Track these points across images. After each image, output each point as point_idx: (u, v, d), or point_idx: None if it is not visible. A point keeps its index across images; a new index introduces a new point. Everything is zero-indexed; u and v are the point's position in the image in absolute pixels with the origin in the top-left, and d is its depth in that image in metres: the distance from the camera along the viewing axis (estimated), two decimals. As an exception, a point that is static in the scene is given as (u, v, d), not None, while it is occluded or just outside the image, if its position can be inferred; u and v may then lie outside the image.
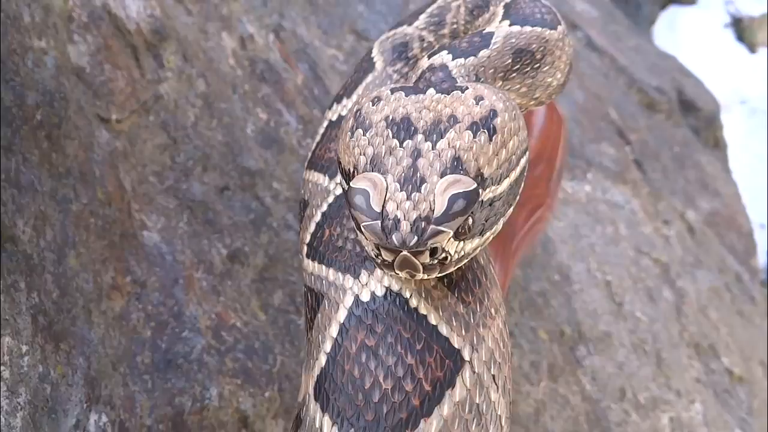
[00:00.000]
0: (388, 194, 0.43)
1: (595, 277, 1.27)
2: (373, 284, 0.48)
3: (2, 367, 0.50)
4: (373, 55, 0.66)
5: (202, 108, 0.93)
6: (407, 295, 0.47)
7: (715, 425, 1.26)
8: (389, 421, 0.43)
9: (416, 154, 0.44)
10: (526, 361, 1.05)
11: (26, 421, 0.51)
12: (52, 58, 0.72)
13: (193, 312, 0.78)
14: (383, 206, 0.42)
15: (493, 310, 0.49)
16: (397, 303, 0.47)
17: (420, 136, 0.45)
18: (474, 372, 0.45)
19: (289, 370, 0.84)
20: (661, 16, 4.06)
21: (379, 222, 0.42)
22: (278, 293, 0.91)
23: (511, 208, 0.49)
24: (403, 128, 0.45)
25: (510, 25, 0.56)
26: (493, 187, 0.45)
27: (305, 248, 0.55)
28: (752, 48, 3.81)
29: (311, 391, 0.47)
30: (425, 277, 0.43)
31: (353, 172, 0.45)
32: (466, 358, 0.46)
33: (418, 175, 0.43)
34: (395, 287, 0.47)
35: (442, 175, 0.43)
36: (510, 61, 0.55)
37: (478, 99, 0.46)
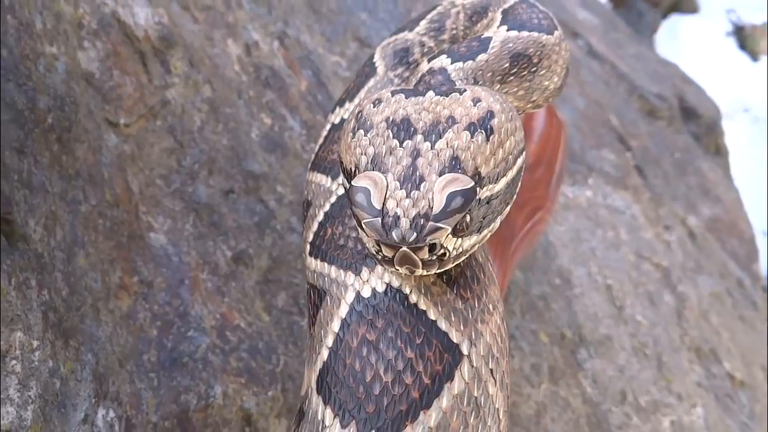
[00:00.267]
0: (388, 192, 0.44)
1: (596, 281, 1.28)
2: (373, 281, 0.49)
3: (14, 361, 0.52)
4: (374, 60, 0.68)
5: (208, 113, 0.95)
6: (407, 291, 0.48)
7: (716, 429, 1.26)
8: (389, 413, 0.44)
9: (416, 153, 0.46)
10: (527, 363, 1.06)
11: (37, 414, 0.52)
12: (63, 64, 0.74)
13: (198, 312, 0.79)
14: (383, 204, 0.44)
15: (491, 306, 0.50)
16: (398, 299, 0.48)
17: (419, 137, 0.46)
18: (472, 366, 0.47)
19: (292, 370, 0.85)
20: (663, 24, 4.08)
21: (379, 219, 0.43)
22: (282, 295, 0.92)
23: (509, 207, 0.50)
24: (403, 129, 0.47)
25: (507, 30, 0.58)
26: (491, 186, 0.46)
27: (308, 247, 0.57)
28: (754, 56, 3.82)
29: (314, 384, 0.48)
30: (424, 273, 0.45)
31: (354, 171, 0.47)
32: (465, 352, 0.47)
33: (418, 173, 0.45)
34: (395, 283, 0.49)
35: (441, 173, 0.44)
36: (507, 64, 0.56)
37: (476, 101, 0.48)
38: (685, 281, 1.49)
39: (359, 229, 0.46)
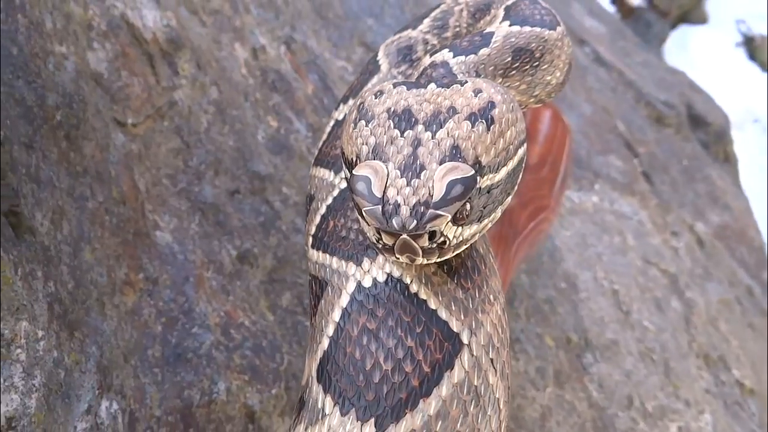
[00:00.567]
0: (389, 181, 0.45)
1: (602, 285, 1.28)
2: (374, 271, 0.50)
3: (19, 350, 0.52)
4: (378, 57, 0.68)
5: (215, 114, 0.96)
6: (408, 280, 0.48)
7: (725, 437, 1.25)
8: (389, 401, 0.44)
9: (416, 143, 0.46)
10: (532, 366, 1.05)
11: (40, 403, 0.53)
12: (72, 63, 0.75)
13: (202, 309, 0.80)
14: (384, 192, 0.44)
15: (491, 297, 0.50)
16: (398, 288, 0.48)
17: (420, 127, 0.47)
18: (472, 355, 0.47)
19: (296, 369, 0.85)
20: (672, 35, 4.08)
21: (379, 207, 0.44)
22: (286, 295, 0.92)
23: (509, 197, 0.51)
24: (404, 119, 0.47)
25: (510, 26, 0.58)
26: (491, 175, 0.47)
27: (310, 239, 0.57)
28: (764, 67, 3.81)
29: (314, 373, 0.49)
30: (424, 261, 0.45)
31: (356, 161, 0.47)
32: (465, 341, 0.47)
33: (418, 162, 0.45)
34: (396, 273, 0.49)
35: (441, 162, 0.45)
36: (510, 59, 0.57)
37: (477, 91, 0.48)
38: (693, 288, 1.48)
39: (360, 217, 0.46)
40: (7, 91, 0.63)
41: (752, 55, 3.91)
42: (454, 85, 0.49)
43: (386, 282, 0.49)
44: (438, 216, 0.43)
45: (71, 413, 0.57)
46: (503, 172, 0.48)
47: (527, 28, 0.58)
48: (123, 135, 0.83)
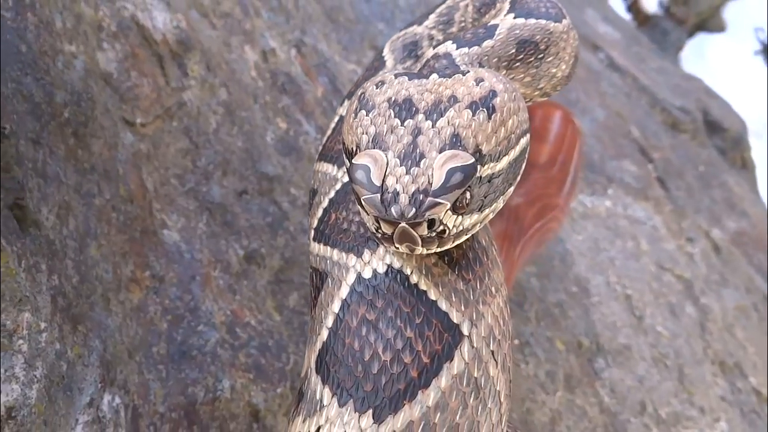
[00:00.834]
0: (388, 169, 0.44)
1: (615, 290, 1.26)
2: (375, 262, 0.49)
3: (21, 341, 0.53)
4: (384, 53, 0.68)
5: (224, 115, 0.96)
6: (408, 271, 0.48)
7: (742, 446, 1.22)
8: (387, 391, 0.44)
9: (416, 132, 0.45)
10: (542, 370, 1.04)
11: (41, 394, 0.53)
12: (81, 62, 0.76)
13: (209, 308, 0.80)
14: (383, 180, 0.44)
15: (493, 289, 0.50)
16: (398, 279, 0.48)
17: (421, 116, 0.46)
18: (473, 347, 0.46)
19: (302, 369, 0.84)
20: (689, 43, 4.05)
21: (378, 195, 0.43)
22: (293, 295, 0.92)
23: (512, 188, 0.50)
24: (404, 108, 0.47)
25: (515, 18, 0.58)
26: (492, 164, 0.46)
27: (312, 233, 0.57)
28: (783, 75, 3.76)
29: (313, 364, 0.48)
30: (424, 251, 0.44)
31: (356, 150, 0.47)
32: (465, 332, 0.46)
33: (418, 151, 0.45)
34: (396, 264, 0.48)
35: (441, 150, 0.44)
36: (514, 50, 0.56)
37: (479, 80, 0.48)
38: (708, 294, 1.46)
39: (359, 207, 0.46)
40: (14, 87, 0.63)
41: (771, 63, 3.86)
42: (456, 75, 0.49)
43: (386, 273, 0.48)
44: (437, 204, 0.42)
45: (73, 406, 0.57)
46: (505, 162, 0.47)
47: (532, 21, 0.58)
48: (132, 134, 0.83)
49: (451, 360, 0.45)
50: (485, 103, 0.46)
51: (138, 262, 0.77)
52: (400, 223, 0.43)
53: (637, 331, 1.21)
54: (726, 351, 1.36)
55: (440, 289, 0.47)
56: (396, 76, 0.50)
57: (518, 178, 0.50)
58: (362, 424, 0.43)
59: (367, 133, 0.47)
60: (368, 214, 0.45)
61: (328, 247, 0.53)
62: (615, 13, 2.50)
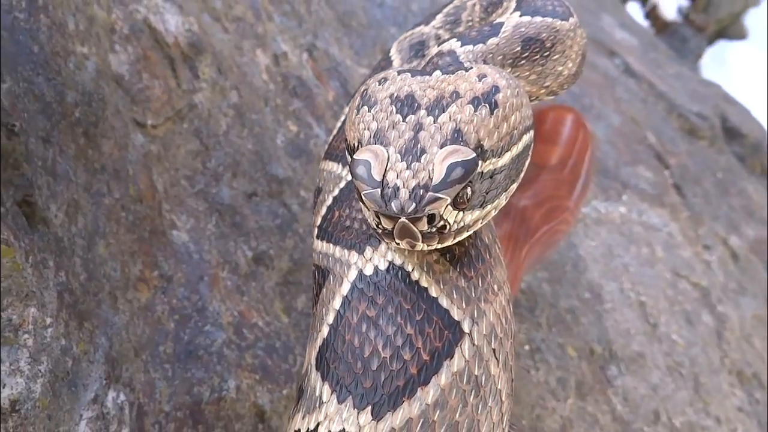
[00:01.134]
0: (389, 165, 0.44)
1: (629, 297, 1.24)
2: (376, 259, 0.49)
3: (26, 335, 0.53)
4: (391, 53, 0.68)
5: (234, 118, 0.97)
6: (409, 268, 0.48)
7: (761, 458, 1.19)
8: (386, 388, 0.43)
9: (418, 127, 0.45)
10: (553, 377, 1.02)
11: (46, 388, 0.53)
12: (93, 63, 0.77)
13: (216, 308, 0.80)
14: (384, 175, 0.43)
15: (495, 287, 0.49)
16: (399, 276, 0.47)
17: (423, 111, 0.46)
18: (474, 344, 0.45)
19: (309, 371, 0.84)
20: (709, 51, 4.01)
21: (378, 190, 0.43)
22: (302, 297, 0.92)
23: (515, 185, 0.49)
24: (406, 104, 0.47)
25: (521, 16, 0.57)
26: (494, 160, 0.45)
27: (315, 230, 0.57)
28: (805, 83, 3.70)
29: (313, 361, 0.48)
30: (425, 247, 0.44)
31: (357, 146, 0.47)
32: (466, 330, 0.46)
33: (419, 146, 0.44)
34: (398, 261, 0.48)
35: (442, 145, 0.44)
36: (519, 48, 0.56)
37: (481, 76, 0.47)
38: (725, 302, 1.43)
39: (360, 202, 0.46)
40: (26, 87, 0.64)
41: (793, 71, 3.81)
42: (459, 71, 0.48)
43: (387, 270, 0.48)
44: (437, 199, 0.42)
45: (77, 401, 0.57)
46: (507, 157, 0.47)
47: (538, 18, 0.57)
48: (142, 135, 0.84)
49: (452, 357, 0.44)
50: (487, 99, 0.46)
51: (146, 262, 0.77)
52: (400, 218, 0.42)
53: (651, 339, 1.19)
54: (744, 361, 1.33)
55: (441, 286, 0.47)
56: (399, 72, 0.50)
57: (521, 175, 0.50)
58: (361, 420, 0.43)
59: (368, 129, 0.47)
60: (369, 210, 0.45)
61: (331, 245, 0.53)
62: (632, 20, 2.48)
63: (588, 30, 2.03)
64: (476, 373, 0.45)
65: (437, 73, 0.49)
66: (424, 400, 0.43)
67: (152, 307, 0.75)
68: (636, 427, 1.04)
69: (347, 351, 0.46)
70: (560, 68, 0.58)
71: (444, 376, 0.44)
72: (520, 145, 0.48)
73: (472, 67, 0.49)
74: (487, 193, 0.46)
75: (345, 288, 0.49)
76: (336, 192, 0.58)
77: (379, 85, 0.49)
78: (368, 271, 0.48)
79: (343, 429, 0.43)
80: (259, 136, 0.99)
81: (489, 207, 0.47)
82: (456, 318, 0.46)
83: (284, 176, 0.98)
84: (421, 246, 0.44)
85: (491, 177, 0.46)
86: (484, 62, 0.55)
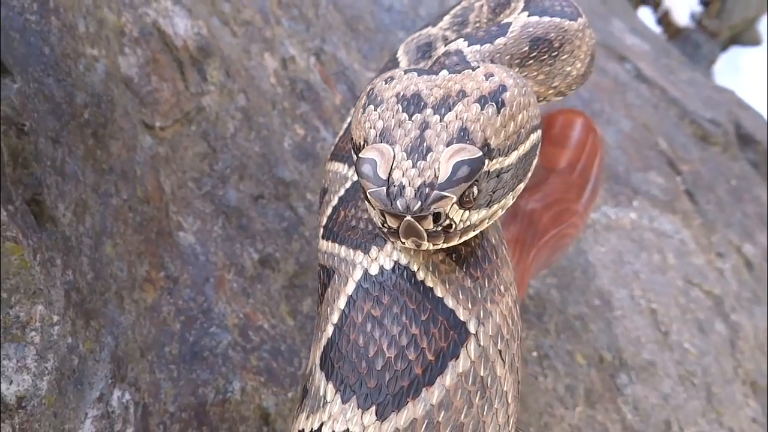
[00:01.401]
0: (394, 163, 0.44)
1: (639, 304, 1.22)
2: (382, 258, 0.48)
3: (33, 333, 0.53)
4: (398, 55, 0.68)
5: (242, 121, 0.97)
6: (415, 268, 0.47)
7: (775, 470, 1.17)
8: (391, 388, 0.43)
9: (424, 126, 0.45)
10: (561, 384, 1.01)
11: (52, 386, 0.53)
12: (103, 66, 0.77)
13: (222, 310, 0.80)
14: (389, 174, 0.43)
15: (502, 288, 0.48)
16: (405, 276, 0.47)
17: (429, 110, 0.46)
18: (479, 345, 0.45)
19: (315, 374, 0.84)
20: (722, 57, 3.97)
21: (384, 188, 0.43)
22: (308, 300, 0.92)
23: (522, 184, 0.49)
24: (413, 103, 0.46)
25: (528, 16, 0.57)
26: (501, 159, 0.45)
27: (321, 230, 0.56)
28: (820, 90, 3.67)
29: (317, 361, 0.47)
30: (430, 246, 0.44)
31: (363, 145, 0.47)
32: (472, 330, 0.45)
33: (425, 144, 0.44)
34: (404, 261, 0.48)
35: (449, 144, 0.44)
36: (527, 48, 0.55)
37: (488, 75, 0.47)
38: (739, 311, 1.41)
39: (366, 201, 0.45)
40: (36, 87, 0.65)
41: (808, 78, 3.78)
42: (466, 71, 0.48)
43: (393, 269, 0.47)
44: (443, 197, 0.42)
45: (83, 399, 0.57)
46: (514, 156, 0.46)
47: (546, 19, 0.57)
48: (150, 137, 0.84)
49: (457, 358, 0.44)
50: (494, 98, 0.46)
51: (153, 263, 0.77)
52: (405, 217, 0.42)
53: (662, 347, 1.17)
54: (758, 371, 1.31)
55: (447, 286, 0.46)
56: (405, 72, 0.49)
57: (528, 175, 0.49)
58: (365, 421, 0.42)
59: (374, 128, 0.46)
60: (374, 208, 0.44)
61: (336, 244, 0.53)
62: (644, 25, 2.47)
63: (598, 35, 2.02)
64: (482, 374, 0.44)
65: (444, 72, 0.49)
66: (429, 401, 0.42)
67: (158, 307, 0.75)
68: (646, 436, 1.03)
69: (352, 350, 0.45)
70: (569, 68, 0.58)
71: (449, 376, 0.43)
72: (528, 145, 0.48)
73: (479, 66, 0.48)
74: (493, 193, 0.45)
75: (350, 287, 0.48)
76: (342, 192, 0.57)
77: (386, 84, 0.49)
78: (373, 270, 0.48)
79: (347, 429, 0.42)
80: (266, 139, 0.99)
81: (496, 206, 0.46)
82: (462, 318, 0.45)
83: (291, 179, 0.98)
84: (426, 245, 0.43)
85: (498, 176, 0.45)
86: (492, 62, 0.54)
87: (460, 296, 0.46)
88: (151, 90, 0.86)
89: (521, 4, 0.61)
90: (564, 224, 0.78)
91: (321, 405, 0.45)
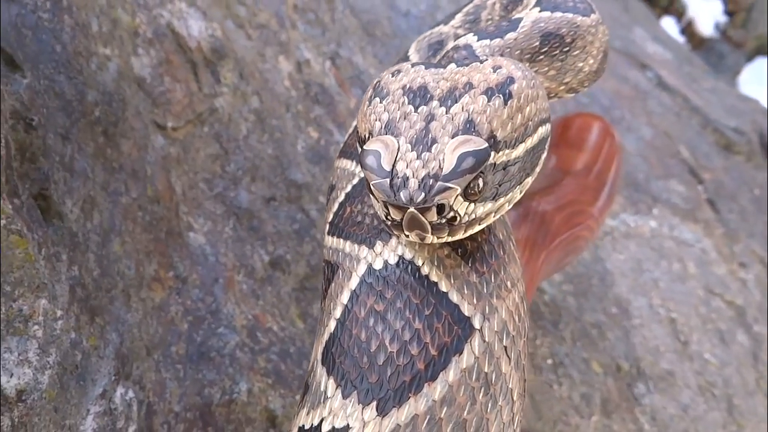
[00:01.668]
0: (399, 155, 0.43)
1: (658, 313, 1.19)
2: (386, 253, 0.47)
3: (36, 326, 0.53)
4: (409, 53, 0.67)
5: (255, 123, 0.97)
6: (419, 262, 0.46)
7: (800, 487, 1.12)
8: (392, 383, 0.42)
9: (430, 118, 0.44)
10: (577, 392, 0.98)
11: (53, 380, 0.53)
12: (115, 65, 0.78)
13: (230, 311, 0.79)
14: (393, 166, 0.42)
15: (509, 284, 0.47)
16: (409, 270, 0.46)
17: (435, 102, 0.45)
18: (484, 341, 0.43)
19: (324, 377, 0.82)
20: (748, 67, 3.91)
21: (387, 180, 0.42)
22: (318, 304, 0.91)
23: (530, 178, 0.48)
24: (419, 95, 0.46)
25: (540, 12, 0.56)
26: (507, 151, 0.44)
27: (327, 227, 0.56)
28: None
29: (319, 356, 0.46)
30: (435, 239, 0.43)
31: (368, 137, 0.46)
32: (477, 326, 0.44)
33: (430, 136, 0.43)
34: (408, 255, 0.47)
35: (454, 136, 0.43)
36: (538, 43, 0.54)
37: (496, 68, 0.46)
38: (762, 322, 1.37)
39: (370, 194, 0.45)
40: (47, 84, 0.65)
41: (835, 90, 3.70)
42: (474, 63, 0.47)
43: (397, 264, 0.46)
44: (446, 188, 0.41)
45: (85, 395, 0.56)
46: (521, 149, 0.45)
47: (558, 14, 0.56)
48: (162, 137, 0.85)
49: (461, 353, 0.42)
50: (502, 90, 0.45)
51: (162, 262, 0.77)
52: (409, 209, 0.41)
53: (681, 357, 1.14)
54: (782, 383, 1.27)
55: (452, 281, 0.45)
56: (413, 65, 0.49)
57: (537, 169, 0.48)
58: (365, 416, 0.41)
59: (380, 120, 0.46)
60: (378, 201, 0.43)
61: (341, 240, 0.52)
62: (666, 34, 2.44)
63: (619, 43, 2.00)
64: (486, 370, 0.43)
65: (452, 65, 0.48)
66: (431, 397, 0.41)
67: (166, 307, 0.75)
68: (665, 448, 1.00)
69: (353, 345, 0.44)
70: (580, 64, 0.57)
71: (452, 372, 0.42)
72: (536, 138, 0.46)
73: (487, 59, 0.47)
74: (500, 186, 0.44)
75: (353, 282, 0.47)
76: (348, 188, 0.57)
77: (392, 76, 0.48)
78: (378, 265, 0.47)
79: (347, 425, 0.41)
80: (279, 142, 0.99)
81: (502, 200, 0.45)
82: (466, 313, 0.44)
83: (303, 181, 0.98)
84: (430, 238, 0.42)
85: (504, 168, 0.44)
86: (501, 56, 0.53)
87: (465, 291, 0.45)
88: (164, 90, 0.87)
89: (533, 1, 0.60)
90: (577, 226, 0.76)
91: (321, 400, 0.44)
